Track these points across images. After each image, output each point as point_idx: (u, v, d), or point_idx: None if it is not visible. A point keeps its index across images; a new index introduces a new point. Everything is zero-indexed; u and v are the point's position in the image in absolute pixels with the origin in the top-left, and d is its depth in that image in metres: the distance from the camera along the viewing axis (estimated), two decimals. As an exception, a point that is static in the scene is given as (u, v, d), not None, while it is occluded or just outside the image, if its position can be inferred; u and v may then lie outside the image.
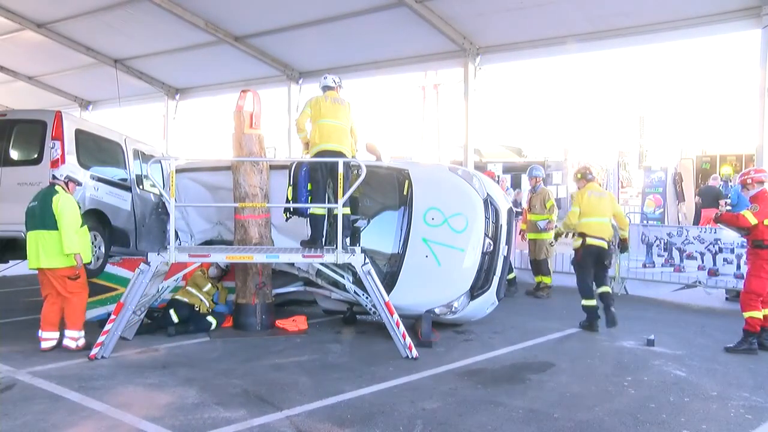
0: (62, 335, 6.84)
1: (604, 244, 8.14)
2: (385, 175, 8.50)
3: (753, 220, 7.02)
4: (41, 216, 6.62)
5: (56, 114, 7.77)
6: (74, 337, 6.77)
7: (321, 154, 7.69)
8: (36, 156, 7.67)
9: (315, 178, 7.84)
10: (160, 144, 16.61)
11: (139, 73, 16.89)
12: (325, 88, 8.00)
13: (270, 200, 8.21)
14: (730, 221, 7.33)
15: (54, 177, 6.94)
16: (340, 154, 7.58)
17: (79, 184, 7.14)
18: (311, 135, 7.88)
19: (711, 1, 10.06)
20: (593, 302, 8.11)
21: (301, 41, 13.70)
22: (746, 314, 7.13)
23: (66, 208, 6.60)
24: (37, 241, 6.63)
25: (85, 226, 6.94)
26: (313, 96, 8.06)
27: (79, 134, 7.99)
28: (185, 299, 7.88)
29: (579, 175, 8.55)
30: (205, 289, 8.09)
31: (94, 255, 8.03)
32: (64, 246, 6.54)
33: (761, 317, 7.08)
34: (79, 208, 6.90)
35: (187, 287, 8.04)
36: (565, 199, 15.91)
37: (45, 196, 6.71)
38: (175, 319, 7.64)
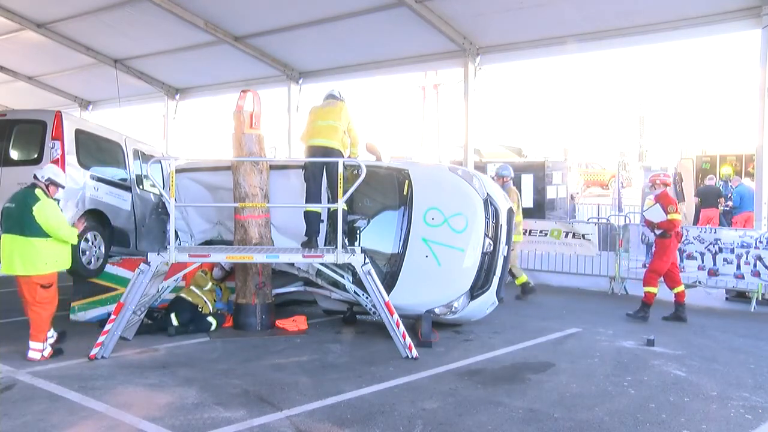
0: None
1: None
2: (385, 175, 8.50)
3: (679, 217, 8.91)
4: (18, 220, 6.27)
5: (56, 114, 7.77)
6: (39, 349, 6.43)
7: (308, 149, 7.98)
8: (36, 156, 7.66)
9: (306, 176, 8.01)
10: (160, 144, 16.60)
11: (139, 73, 16.89)
12: (328, 96, 8.32)
13: (270, 200, 8.21)
14: (667, 227, 8.78)
15: (35, 177, 6.53)
16: (326, 149, 7.81)
17: (62, 186, 6.69)
18: (302, 135, 8.23)
19: (711, 1, 10.05)
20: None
21: (301, 41, 13.69)
22: (646, 288, 8.87)
23: (50, 217, 6.28)
24: (12, 245, 6.29)
25: None
26: (313, 105, 8.41)
27: (79, 134, 7.99)
28: (189, 298, 7.88)
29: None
30: (207, 287, 8.09)
31: (94, 255, 8.06)
32: (70, 239, 6.44)
33: (656, 292, 8.90)
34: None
35: (190, 286, 8.04)
36: (564, 199, 15.93)
37: (24, 200, 6.33)
38: (175, 323, 7.64)
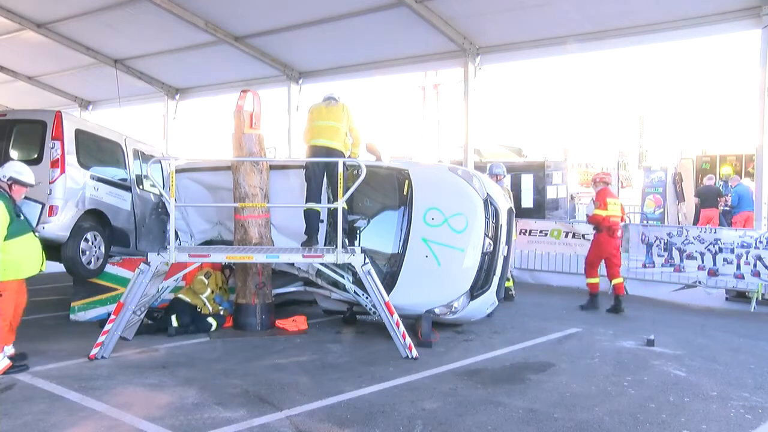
0: None
1: None
2: (385, 175, 8.51)
3: (603, 213, 9.63)
4: None
5: (56, 114, 7.77)
6: None
7: (310, 149, 7.98)
8: (36, 156, 7.66)
9: (307, 176, 8.01)
10: (160, 144, 16.59)
11: (139, 73, 16.88)
12: (327, 97, 8.30)
13: (270, 200, 8.22)
14: (592, 222, 9.88)
15: None
16: (329, 149, 7.81)
17: (29, 185, 6.16)
18: (304, 134, 8.17)
19: (711, 1, 10.05)
20: None
21: (301, 41, 13.69)
22: (587, 280, 9.83)
23: None
24: None
25: (29, 233, 6.06)
26: (313, 104, 8.38)
27: (79, 134, 7.99)
28: (187, 299, 7.88)
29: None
30: (205, 294, 8.06)
31: (94, 255, 8.05)
32: None
33: (597, 282, 9.80)
34: (11, 215, 5.85)
35: (190, 286, 8.04)
36: (564, 199, 15.92)
37: None
38: (175, 324, 7.64)
